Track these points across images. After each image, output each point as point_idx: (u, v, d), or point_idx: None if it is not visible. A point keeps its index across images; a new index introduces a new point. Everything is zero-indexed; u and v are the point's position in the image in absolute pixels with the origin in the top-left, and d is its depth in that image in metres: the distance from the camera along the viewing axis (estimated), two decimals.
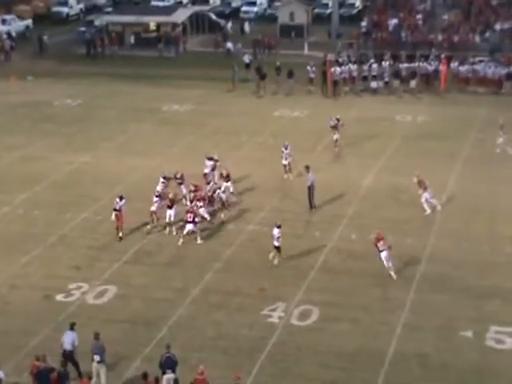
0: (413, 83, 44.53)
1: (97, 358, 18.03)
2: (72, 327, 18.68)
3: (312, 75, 44.88)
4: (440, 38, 51.71)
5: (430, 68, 45.28)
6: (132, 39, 56.52)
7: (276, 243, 23.90)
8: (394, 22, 53.97)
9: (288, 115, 40.98)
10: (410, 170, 31.87)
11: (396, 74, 44.96)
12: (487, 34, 51.97)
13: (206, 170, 29.65)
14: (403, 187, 30.11)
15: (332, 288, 22.69)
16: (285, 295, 22.25)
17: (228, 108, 42.25)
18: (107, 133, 37.95)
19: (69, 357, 18.30)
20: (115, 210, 25.81)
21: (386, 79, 44.79)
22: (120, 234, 25.72)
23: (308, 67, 45.06)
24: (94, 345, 18.20)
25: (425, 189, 27.57)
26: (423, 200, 27.55)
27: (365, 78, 45.25)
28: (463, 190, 29.83)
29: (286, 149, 31.02)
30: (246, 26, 61.60)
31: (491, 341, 20.00)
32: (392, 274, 23.03)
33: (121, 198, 25.95)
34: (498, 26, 52.40)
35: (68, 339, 18.44)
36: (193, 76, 49.03)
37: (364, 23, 55.60)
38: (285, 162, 30.94)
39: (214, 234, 26.36)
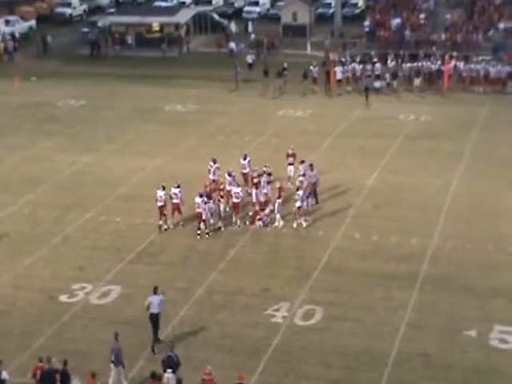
0: (417, 82, 44.53)
1: (111, 357, 18.11)
2: (155, 291, 19.65)
3: (315, 75, 44.93)
4: (443, 37, 51.67)
5: (434, 67, 45.25)
6: (129, 39, 56.46)
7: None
8: (396, 21, 53.93)
9: (291, 115, 40.97)
10: (413, 170, 31.96)
11: (394, 75, 44.86)
12: (490, 33, 51.89)
13: (244, 171, 29.28)
14: (406, 187, 30.12)
15: (335, 288, 22.69)
16: (288, 295, 22.26)
17: (231, 108, 42.26)
18: (110, 133, 37.98)
19: (155, 320, 19.43)
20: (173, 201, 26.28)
21: (388, 79, 44.75)
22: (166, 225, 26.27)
23: (311, 67, 45.09)
24: (111, 344, 18.42)
25: (279, 197, 26.56)
26: (276, 210, 26.59)
27: (368, 78, 45.23)
28: (467, 190, 29.79)
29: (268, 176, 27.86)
30: (250, 26, 61.59)
31: (495, 340, 19.98)
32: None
33: (163, 188, 26.30)
34: (501, 25, 52.30)
35: (156, 301, 19.49)
36: (196, 76, 49.05)
37: (367, 23, 55.57)
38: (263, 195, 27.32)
39: (218, 234, 26.36)
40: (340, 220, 27.17)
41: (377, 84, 44.57)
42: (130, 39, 56.78)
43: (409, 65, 45.82)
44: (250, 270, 23.92)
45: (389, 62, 45.78)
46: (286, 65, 45.70)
